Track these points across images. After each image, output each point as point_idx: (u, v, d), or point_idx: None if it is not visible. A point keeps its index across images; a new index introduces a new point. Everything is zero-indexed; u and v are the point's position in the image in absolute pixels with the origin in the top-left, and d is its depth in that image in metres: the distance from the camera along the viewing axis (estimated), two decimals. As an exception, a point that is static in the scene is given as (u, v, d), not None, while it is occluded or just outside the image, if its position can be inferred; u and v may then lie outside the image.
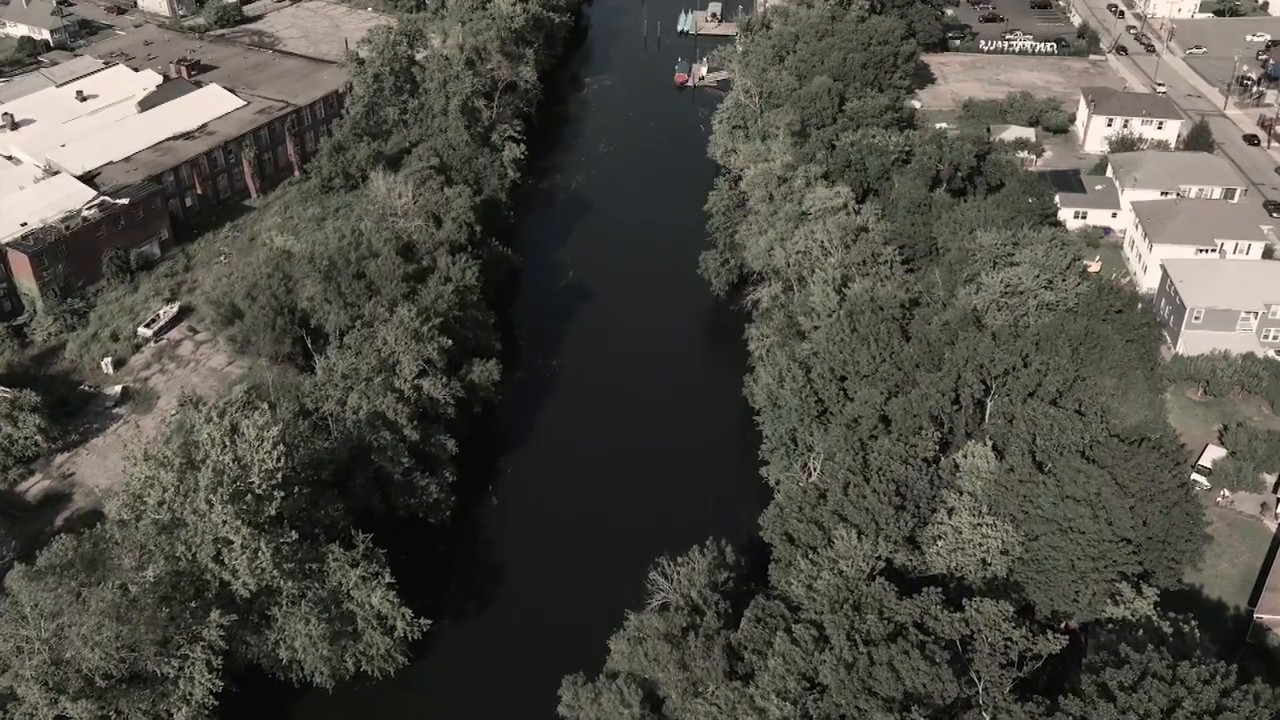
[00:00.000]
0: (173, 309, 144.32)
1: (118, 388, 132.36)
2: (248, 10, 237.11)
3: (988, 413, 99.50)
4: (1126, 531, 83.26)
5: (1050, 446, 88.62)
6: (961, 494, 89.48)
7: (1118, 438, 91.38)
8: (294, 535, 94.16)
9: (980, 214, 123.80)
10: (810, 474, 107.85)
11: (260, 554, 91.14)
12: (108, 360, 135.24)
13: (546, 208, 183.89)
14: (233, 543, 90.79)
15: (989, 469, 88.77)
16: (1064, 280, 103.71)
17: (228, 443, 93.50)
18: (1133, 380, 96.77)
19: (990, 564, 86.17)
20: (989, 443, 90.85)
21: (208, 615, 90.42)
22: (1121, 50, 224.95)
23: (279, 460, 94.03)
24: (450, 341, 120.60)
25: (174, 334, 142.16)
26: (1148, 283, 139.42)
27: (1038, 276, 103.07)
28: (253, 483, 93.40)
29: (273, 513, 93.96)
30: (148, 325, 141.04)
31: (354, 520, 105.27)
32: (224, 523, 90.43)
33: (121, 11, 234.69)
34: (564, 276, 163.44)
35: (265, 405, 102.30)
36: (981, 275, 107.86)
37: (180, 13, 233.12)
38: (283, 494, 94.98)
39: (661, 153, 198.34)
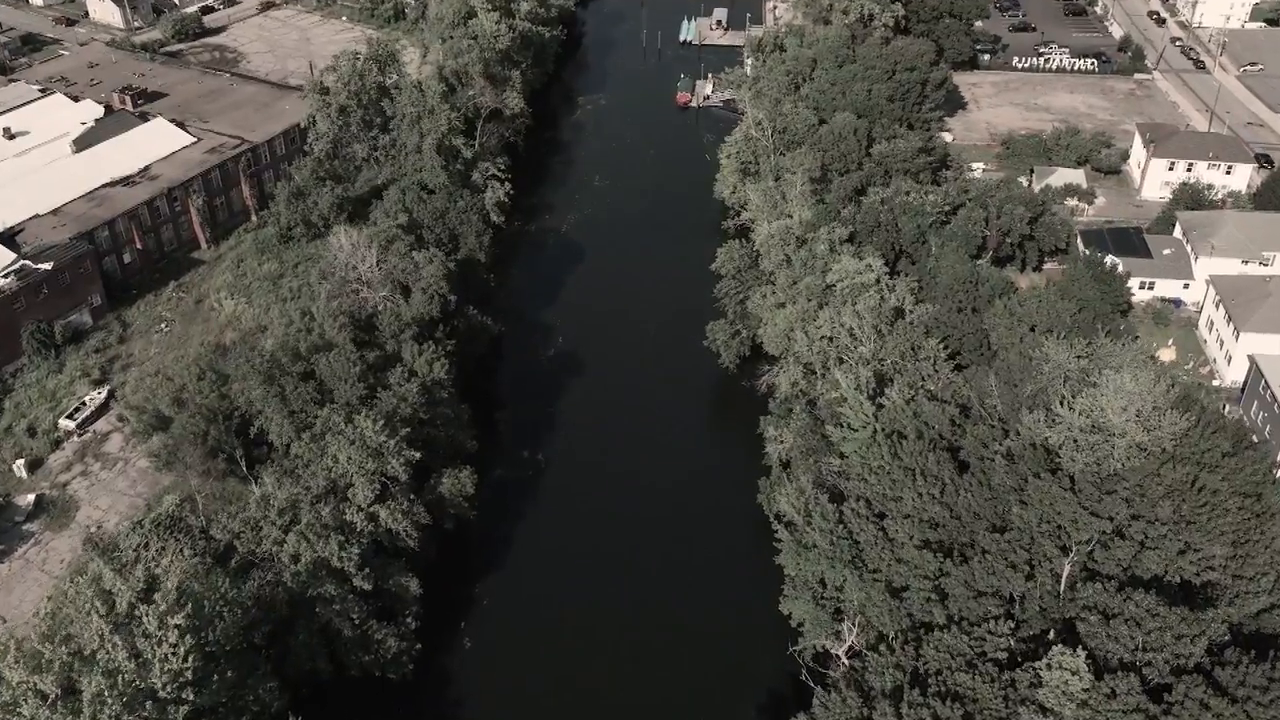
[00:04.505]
0: (101, 394, 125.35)
1: (31, 496, 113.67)
2: (209, 21, 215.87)
3: (1063, 581, 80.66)
4: (1266, 788, 64.89)
5: (1160, 661, 69.74)
6: (1046, 714, 70.72)
7: (1241, 635, 72.62)
8: (207, 752, 76.07)
9: (1042, 306, 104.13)
10: (845, 637, 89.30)
11: (164, 776, 73.16)
12: (21, 463, 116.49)
13: (533, 255, 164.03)
14: (127, 767, 72.63)
15: (1081, 687, 69.89)
16: (1157, 412, 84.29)
17: (119, 641, 74.72)
18: (1251, 550, 77.85)
19: (1085, 815, 67.72)
20: (1080, 651, 71.78)
21: None
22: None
23: (187, 658, 75.53)
24: (418, 455, 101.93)
25: (101, 424, 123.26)
26: (1231, 375, 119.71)
27: (1125, 409, 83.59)
28: (155, 684, 75.03)
29: (180, 719, 75.78)
30: (70, 415, 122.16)
31: (295, 686, 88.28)
32: (114, 744, 72.15)
33: (71, 23, 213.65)
34: (552, 342, 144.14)
35: (177, 579, 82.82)
36: (1053, 400, 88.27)
37: (135, 24, 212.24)
38: (194, 693, 76.82)
39: (662, 187, 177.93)
